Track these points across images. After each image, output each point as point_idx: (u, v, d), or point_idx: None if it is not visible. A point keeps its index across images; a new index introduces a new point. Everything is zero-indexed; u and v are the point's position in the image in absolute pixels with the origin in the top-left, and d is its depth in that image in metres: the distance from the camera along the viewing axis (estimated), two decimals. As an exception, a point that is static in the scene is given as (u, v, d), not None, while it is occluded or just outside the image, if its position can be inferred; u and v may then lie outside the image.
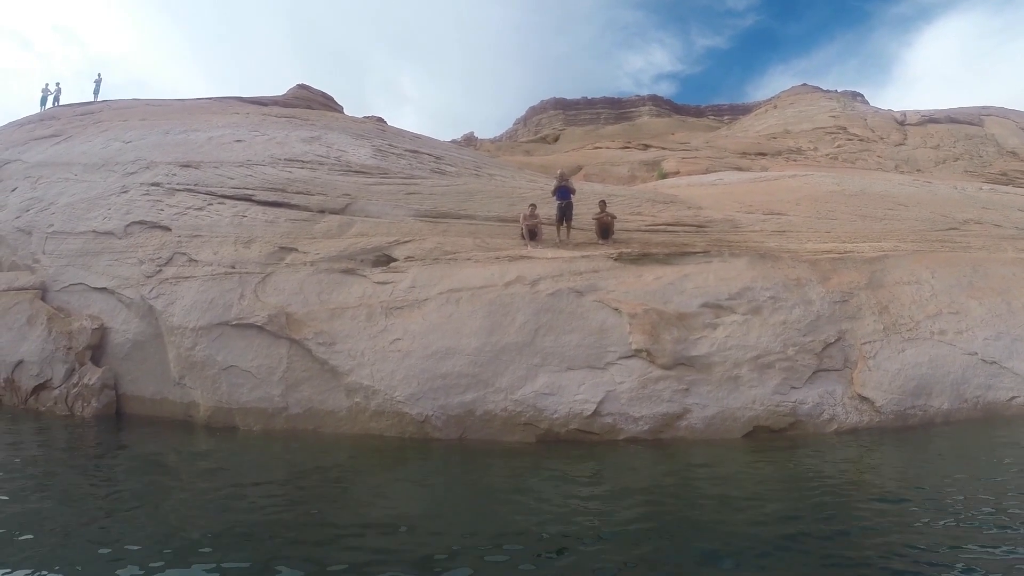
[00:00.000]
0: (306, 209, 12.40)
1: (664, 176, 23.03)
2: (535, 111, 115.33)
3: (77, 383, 12.59)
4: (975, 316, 13.25)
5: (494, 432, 9.94)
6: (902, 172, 23.39)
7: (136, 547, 5.88)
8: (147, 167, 14.39)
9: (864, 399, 11.42)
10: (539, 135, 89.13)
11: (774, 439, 10.64)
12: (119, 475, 8.70)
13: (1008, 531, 6.52)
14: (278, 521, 6.60)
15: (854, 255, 12.76)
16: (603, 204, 12.24)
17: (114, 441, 10.64)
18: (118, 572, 5.41)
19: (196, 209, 13.02)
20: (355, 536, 6.23)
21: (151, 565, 5.50)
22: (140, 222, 13.59)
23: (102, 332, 12.89)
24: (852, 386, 11.50)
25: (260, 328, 11.11)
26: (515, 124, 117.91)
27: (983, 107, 46.88)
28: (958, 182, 19.02)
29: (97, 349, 12.82)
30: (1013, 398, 12.15)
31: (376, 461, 9.29)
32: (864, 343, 11.86)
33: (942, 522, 6.71)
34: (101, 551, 5.79)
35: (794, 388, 11.02)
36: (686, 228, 12.24)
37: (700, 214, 12.61)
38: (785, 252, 12.06)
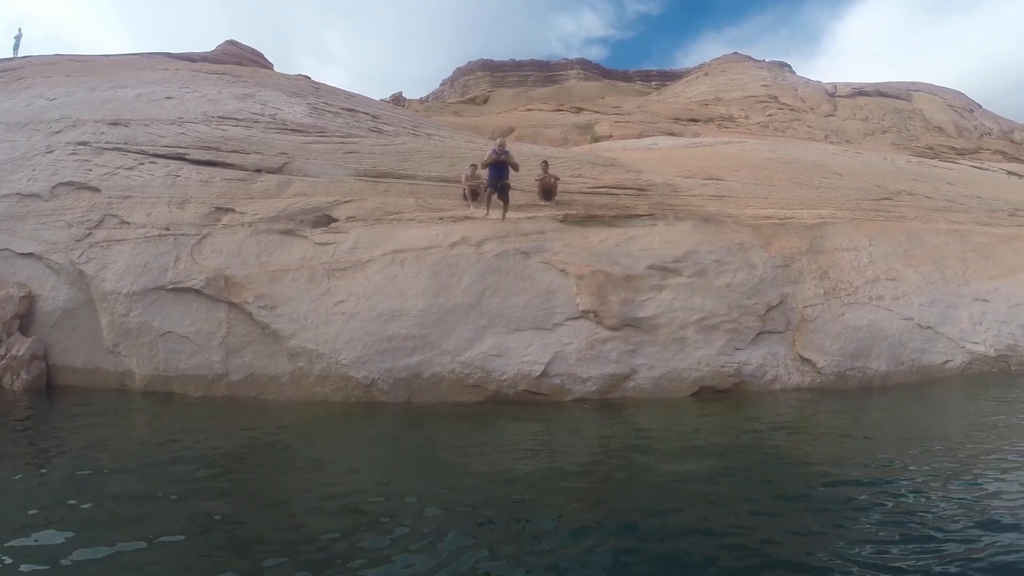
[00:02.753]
0: (242, 168, 11.94)
1: (597, 140, 23.08)
2: (462, 72, 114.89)
3: (4, 355, 11.91)
4: (911, 283, 13.76)
5: (442, 394, 9.84)
6: (832, 143, 24.06)
7: (65, 520, 5.52)
8: (73, 125, 13.59)
9: (806, 360, 11.76)
10: (467, 96, 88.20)
11: (720, 399, 10.89)
12: (48, 446, 8.24)
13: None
14: (213, 488, 6.33)
15: (794, 221, 13.05)
16: (545, 165, 12.16)
17: (44, 414, 10.10)
18: (40, 541, 5.10)
19: (127, 169, 12.38)
20: (296, 502, 6.02)
21: (78, 536, 5.19)
22: (67, 183, 12.85)
23: (30, 300, 12.20)
24: (794, 348, 11.82)
25: (198, 292, 10.69)
26: (442, 85, 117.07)
27: (912, 83, 48.42)
28: (888, 154, 19.68)
29: (25, 318, 12.13)
30: (946, 362, 12.70)
31: (320, 426, 9.08)
32: (805, 307, 12.19)
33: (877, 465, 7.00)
34: (29, 522, 5.42)
35: (738, 349, 11.26)
36: (627, 191, 12.31)
37: (640, 178, 12.70)
38: (727, 217, 12.26)
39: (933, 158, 21.10)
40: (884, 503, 5.87)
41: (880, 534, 5.16)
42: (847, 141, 25.84)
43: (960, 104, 32.16)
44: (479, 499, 5.96)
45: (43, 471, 6.87)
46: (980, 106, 33.20)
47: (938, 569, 4.51)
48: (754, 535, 5.13)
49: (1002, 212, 19.05)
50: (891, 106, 31.13)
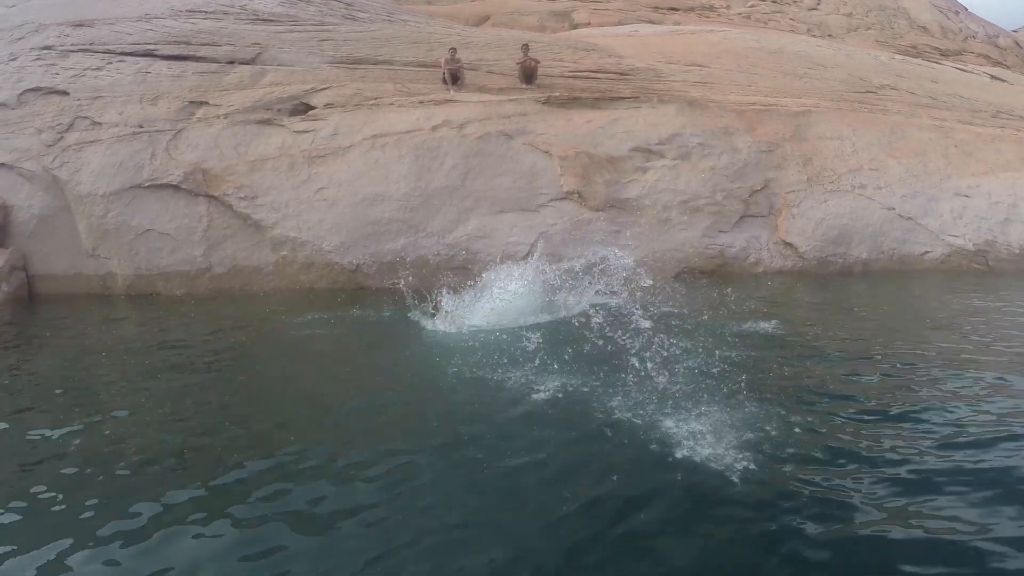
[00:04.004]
0: (214, 61, 11.60)
1: (575, 27, 22.49)
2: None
3: (-18, 268, 11.75)
4: (893, 174, 13.78)
5: (427, 277, 9.85)
6: (814, 36, 23.67)
7: (54, 420, 5.41)
8: (36, 30, 13.06)
9: (788, 245, 11.88)
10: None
11: (703, 279, 11.01)
12: (36, 353, 8.12)
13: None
14: (208, 381, 6.22)
15: (778, 108, 12.96)
16: (526, 48, 11.92)
17: (27, 321, 9.98)
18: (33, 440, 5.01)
19: (95, 70, 11.97)
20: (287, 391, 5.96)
21: (67, 429, 5.12)
22: (34, 89, 12.42)
23: (5, 211, 11.93)
24: (777, 232, 11.91)
25: (176, 187, 10.51)
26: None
27: (898, -21, 47.06)
28: (871, 50, 19.49)
29: (1, 230, 11.92)
30: (925, 252, 12.85)
31: (306, 312, 9.06)
32: (789, 192, 12.22)
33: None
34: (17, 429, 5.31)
35: (722, 232, 11.33)
36: (609, 75, 12.15)
37: (622, 62, 12.51)
38: (711, 102, 12.14)
39: (916, 57, 20.88)
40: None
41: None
42: (829, 36, 25.45)
43: (945, 5, 31.62)
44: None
45: (31, 376, 6.71)
46: (966, 8, 32.76)
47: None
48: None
49: (985, 113, 18.99)
50: (875, 2, 30.43)
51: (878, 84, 15.77)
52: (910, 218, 13.33)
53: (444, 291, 7.46)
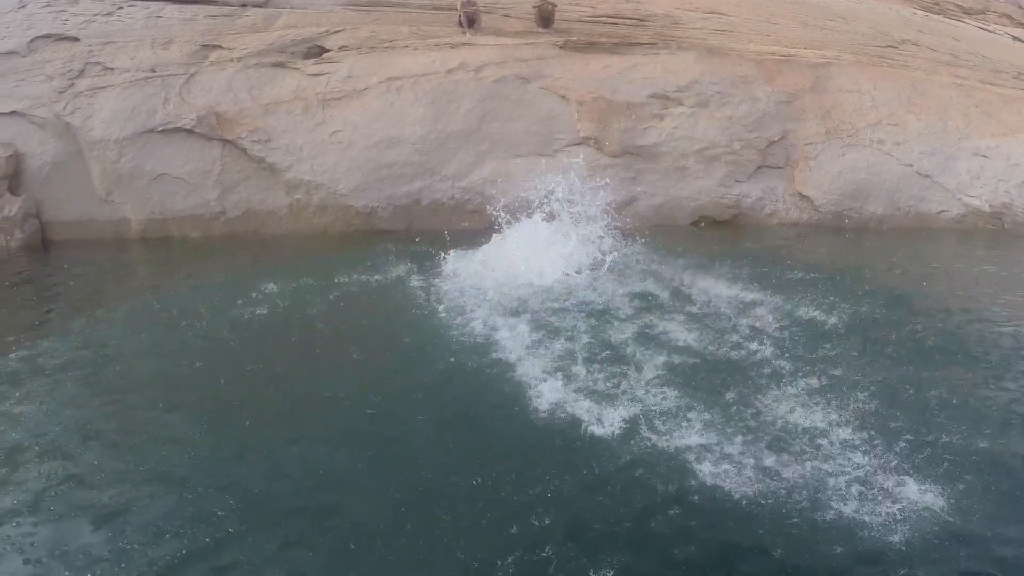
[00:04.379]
0: (226, 4, 11.48)
1: None
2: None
3: (-4, 217, 11.74)
4: (913, 130, 13.54)
5: (442, 221, 9.81)
6: None
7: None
8: (44, -24, 12.92)
9: (804, 197, 11.74)
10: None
11: (718, 228, 10.94)
12: (56, 297, 8.13)
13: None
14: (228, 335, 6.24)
15: (798, 59, 12.72)
16: None
17: (43, 269, 10.01)
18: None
19: (104, 15, 11.85)
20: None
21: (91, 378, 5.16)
22: (44, 36, 12.31)
23: (17, 159, 11.90)
24: (793, 184, 11.78)
25: (189, 131, 10.45)
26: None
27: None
28: (893, 4, 19.11)
29: (13, 178, 11.86)
30: (942, 211, 12.68)
31: (323, 256, 9.04)
32: (806, 144, 12.05)
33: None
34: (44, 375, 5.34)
35: (738, 182, 11.21)
36: (627, 21, 11.96)
37: (640, 8, 12.31)
38: (730, 51, 11.93)
39: (938, 14, 20.43)
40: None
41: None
42: (848, -13, 25.01)
43: (969, -37, 31.10)
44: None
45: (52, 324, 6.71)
46: (990, -31, 32.24)
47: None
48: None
49: (1006, 74, 18.60)
50: (897, -46, 29.79)
51: (899, 39, 15.44)
52: (927, 176, 13.13)
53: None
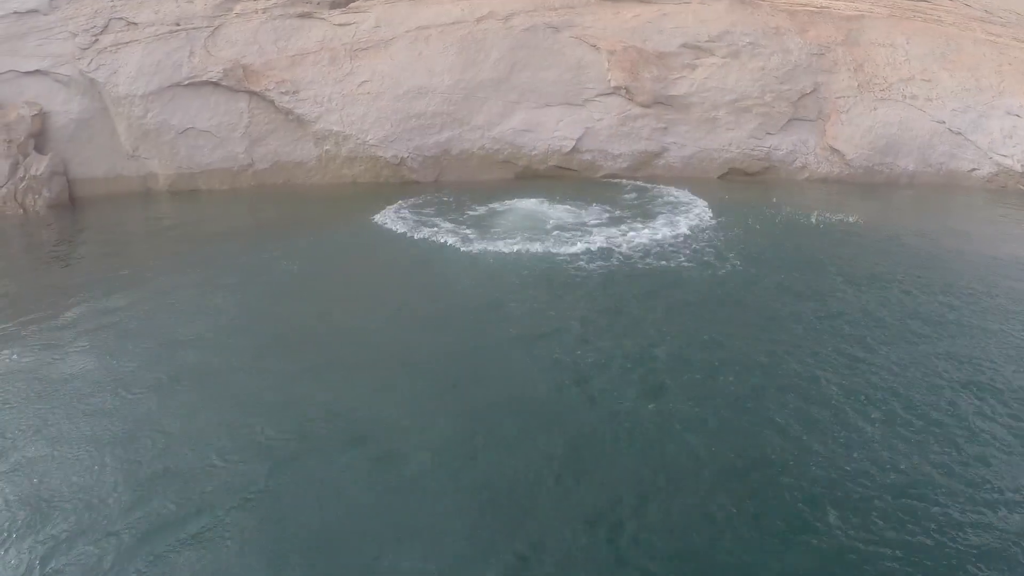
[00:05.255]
0: (251, -45, 11.32)
1: None
2: None
3: (24, 176, 11.70)
4: (945, 86, 13.25)
5: (472, 171, 9.73)
6: None
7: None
8: (65, -67, 12.79)
9: (835, 151, 11.54)
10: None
11: (749, 181, 10.77)
12: (89, 255, 7.96)
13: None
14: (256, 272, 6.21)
15: (831, 11, 12.43)
16: None
17: (71, 226, 9.94)
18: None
19: (128, -31, 11.74)
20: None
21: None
22: (66, -8, 12.22)
23: (42, 118, 11.88)
24: (824, 137, 11.56)
25: (216, 84, 10.38)
26: None
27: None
28: None
29: (39, 136, 11.86)
30: (973, 169, 12.43)
31: (354, 204, 8.98)
32: (838, 97, 11.81)
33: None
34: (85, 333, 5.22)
35: (769, 134, 11.02)
36: (659, -30, 11.74)
37: (670, -41, 12.02)
38: (762, 1, 11.67)
39: (972, -30, 19.93)
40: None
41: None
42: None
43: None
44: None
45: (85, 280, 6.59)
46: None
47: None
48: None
49: (1039, 33, 18.15)
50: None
51: (932, -7, 15.12)
52: (959, 133, 12.87)
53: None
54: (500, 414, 3.61)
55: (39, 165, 11.74)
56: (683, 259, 6.10)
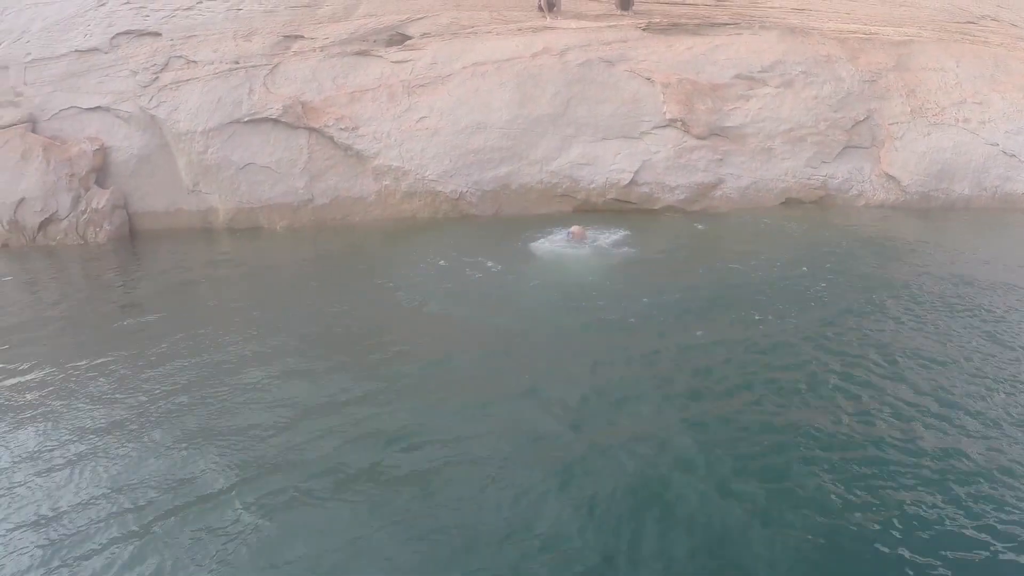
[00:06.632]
0: (304, -5, 11.61)
1: None
2: None
3: (85, 209, 12.01)
4: (997, 108, 13.10)
5: (530, 205, 9.80)
6: None
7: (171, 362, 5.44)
8: (123, -25, 13.22)
9: (890, 178, 11.44)
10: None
11: (808, 211, 10.71)
12: (146, 290, 8.14)
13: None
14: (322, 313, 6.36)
15: (880, 37, 12.39)
16: None
17: (132, 259, 10.20)
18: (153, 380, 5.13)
19: (185, 10, 12.07)
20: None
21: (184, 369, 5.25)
22: (126, 32, 12.59)
23: (103, 152, 12.21)
24: (879, 164, 11.48)
25: (275, 121, 10.59)
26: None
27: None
28: None
29: (101, 171, 12.18)
30: (1029, 191, 12.27)
31: (414, 239, 9.10)
32: (892, 123, 11.73)
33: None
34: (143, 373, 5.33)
35: (825, 163, 10.97)
36: (705, 1, 11.78)
37: (717, -13, 12.08)
38: (812, 29, 11.66)
39: (1015, -11, 19.75)
40: None
41: None
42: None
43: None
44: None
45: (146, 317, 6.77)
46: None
47: None
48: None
49: (1085, 50, 17.88)
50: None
51: (979, 14, 14.94)
52: (1014, 155, 12.69)
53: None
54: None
55: (100, 199, 12.06)
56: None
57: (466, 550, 3.05)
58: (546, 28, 10.51)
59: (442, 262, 7.49)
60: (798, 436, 3.85)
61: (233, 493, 3.51)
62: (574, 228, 8.09)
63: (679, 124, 9.99)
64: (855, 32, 12.10)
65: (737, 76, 10.50)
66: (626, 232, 8.30)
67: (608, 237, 8.14)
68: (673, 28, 10.75)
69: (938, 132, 12.13)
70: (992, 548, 3.01)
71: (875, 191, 11.29)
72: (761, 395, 4.34)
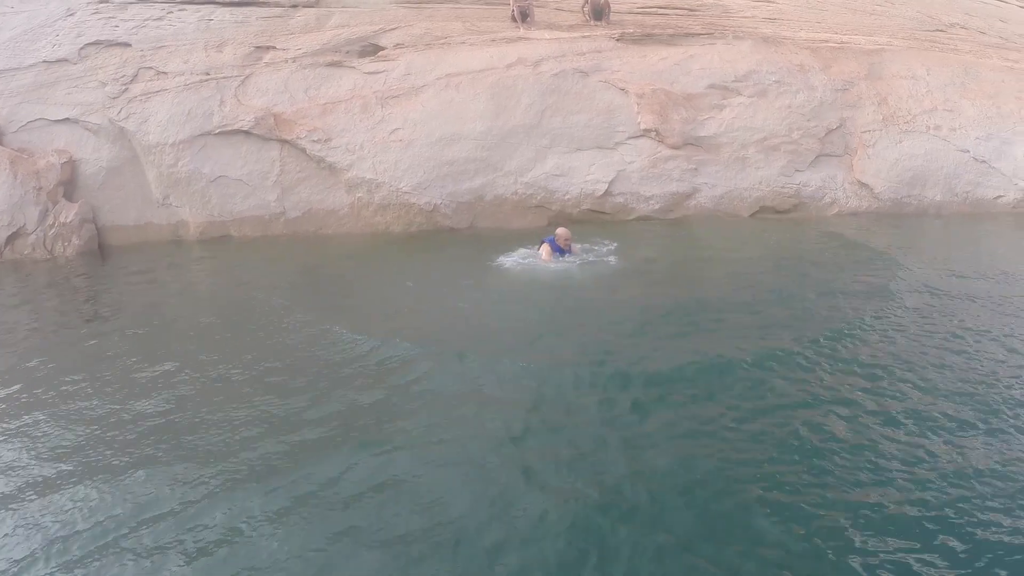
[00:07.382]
0: (277, 5, 11.46)
1: None
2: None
3: (53, 223, 11.75)
4: (968, 116, 13.29)
5: (505, 216, 9.75)
6: None
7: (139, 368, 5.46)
8: (92, -17, 12.99)
9: (863, 185, 11.55)
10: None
11: (780, 219, 10.77)
12: (116, 301, 8.10)
13: None
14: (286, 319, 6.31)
15: (852, 46, 12.53)
16: None
17: (100, 274, 10.01)
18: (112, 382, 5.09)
19: (155, 20, 11.89)
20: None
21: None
22: (95, 43, 12.37)
23: (72, 165, 11.98)
24: (852, 172, 11.58)
25: (247, 133, 10.46)
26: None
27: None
28: None
29: (69, 184, 11.94)
30: (999, 196, 12.43)
31: (387, 253, 9.02)
32: (864, 132, 11.85)
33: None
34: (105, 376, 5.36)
35: (798, 171, 11.04)
36: (678, 11, 11.85)
37: (689, -3, 12.17)
38: (784, 39, 11.77)
39: (986, -5, 20.10)
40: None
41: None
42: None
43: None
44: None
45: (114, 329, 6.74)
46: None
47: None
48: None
49: (1054, 56, 18.22)
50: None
51: (948, 22, 15.18)
52: (984, 161, 12.87)
53: None
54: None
55: (68, 212, 11.80)
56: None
57: (432, 556, 3.07)
58: (520, 39, 10.50)
59: (410, 283, 7.40)
60: (781, 448, 3.86)
61: (193, 511, 3.45)
62: (560, 231, 7.87)
63: (653, 134, 10.01)
64: (827, 41, 12.23)
65: (711, 86, 10.55)
66: (609, 243, 8.29)
67: (584, 251, 8.09)
68: (647, 38, 10.79)
69: (910, 139, 12.27)
70: (976, 555, 3.02)
71: (848, 199, 11.38)
72: (743, 406, 4.33)
